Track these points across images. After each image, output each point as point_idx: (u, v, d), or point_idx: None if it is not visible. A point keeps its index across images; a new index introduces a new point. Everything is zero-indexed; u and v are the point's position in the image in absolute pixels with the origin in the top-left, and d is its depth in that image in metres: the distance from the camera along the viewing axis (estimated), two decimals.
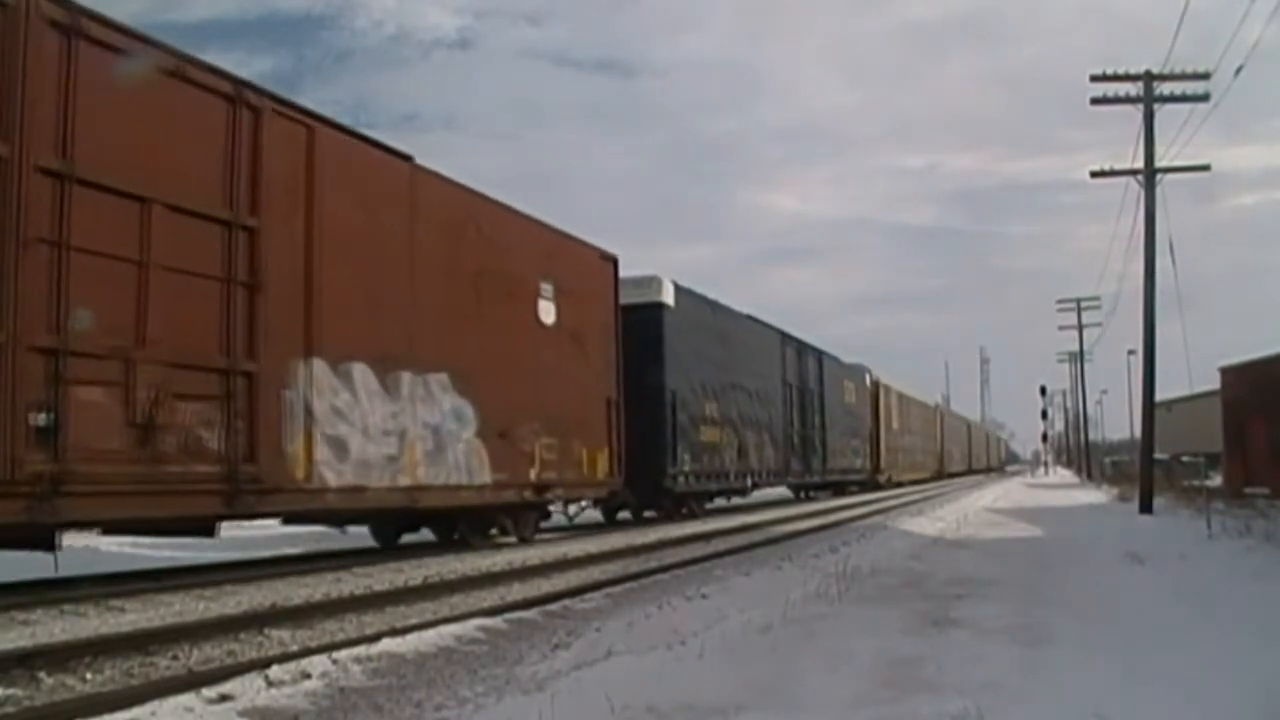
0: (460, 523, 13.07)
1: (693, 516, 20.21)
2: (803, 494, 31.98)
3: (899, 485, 42.87)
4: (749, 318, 24.76)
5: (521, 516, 13.96)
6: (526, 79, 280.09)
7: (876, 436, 39.16)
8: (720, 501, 23.35)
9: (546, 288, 14.10)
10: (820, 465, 30.17)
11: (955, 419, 72.46)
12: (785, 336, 27.51)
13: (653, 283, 18.80)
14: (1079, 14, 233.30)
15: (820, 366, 30.71)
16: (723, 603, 7.91)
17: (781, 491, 30.63)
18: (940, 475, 56.80)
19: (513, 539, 13.80)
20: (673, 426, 18.71)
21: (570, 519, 16.76)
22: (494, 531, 13.64)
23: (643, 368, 17.60)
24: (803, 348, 29.25)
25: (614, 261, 16.83)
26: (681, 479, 19.27)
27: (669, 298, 19.09)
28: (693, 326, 20.01)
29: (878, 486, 38.29)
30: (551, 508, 15.37)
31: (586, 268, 15.70)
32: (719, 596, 8.48)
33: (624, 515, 19.55)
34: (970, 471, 74.01)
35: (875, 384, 39.83)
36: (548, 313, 14.16)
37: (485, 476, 12.37)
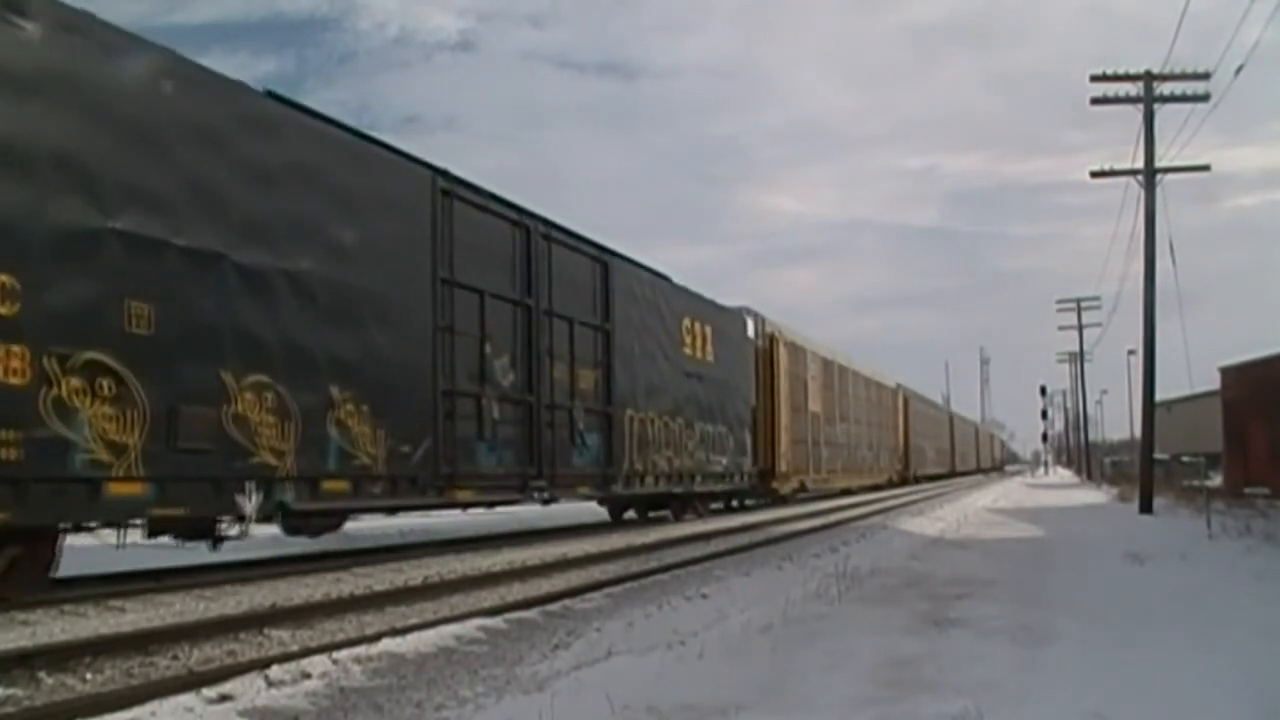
0: None
1: None
2: (619, 511, 19.56)
3: (844, 493, 32.21)
4: (285, 103, 10.28)
5: None
6: (528, 81, 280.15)
7: (771, 421, 25.00)
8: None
9: None
10: (600, 463, 15.49)
11: (930, 407, 58.62)
12: (452, 183, 12.32)
13: None
14: (1079, 15, 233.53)
15: (606, 278, 16.10)
16: (723, 603, 7.92)
17: (573, 510, 18.78)
18: (905, 479, 44.70)
19: None
20: None
21: None
22: None
23: None
24: (538, 227, 14.19)
25: None
26: None
27: None
28: None
29: (779, 499, 25.58)
30: None
31: None
32: (719, 596, 8.49)
33: None
34: (954, 474, 61.59)
35: (770, 338, 25.43)
36: None
37: None
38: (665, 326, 18.59)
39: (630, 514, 19.66)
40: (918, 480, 47.74)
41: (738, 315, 23.52)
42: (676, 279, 19.85)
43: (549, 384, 14.12)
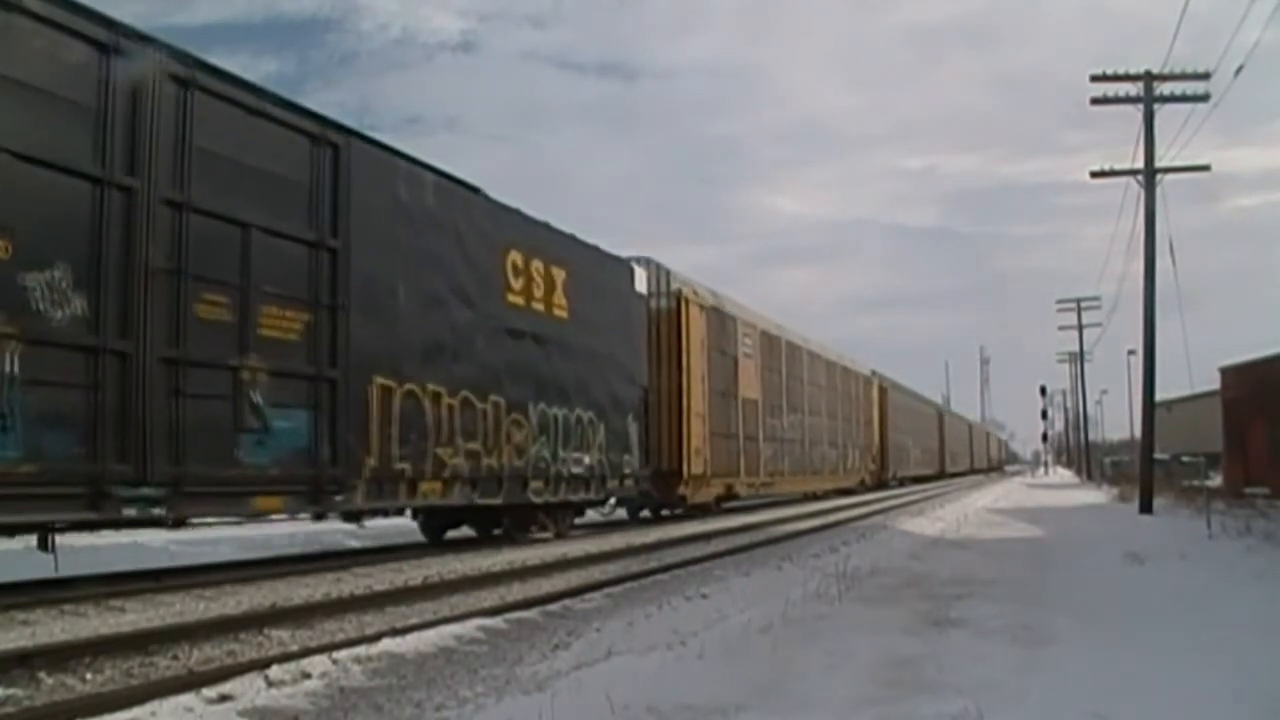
0: None
1: None
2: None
3: (809, 498, 28.63)
4: None
5: None
6: (529, 82, 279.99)
7: (678, 408, 19.16)
8: None
9: None
10: (307, 459, 9.72)
11: (915, 400, 51.70)
12: None
13: None
14: (1079, 16, 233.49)
15: (337, 170, 10.34)
16: (723, 603, 7.92)
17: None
18: (881, 482, 39.43)
19: None
20: None
21: None
22: None
23: None
24: (160, 60, 8.42)
25: None
26: None
27: None
28: None
29: (695, 510, 20.07)
30: None
31: None
32: (719, 596, 8.49)
33: None
34: (943, 475, 55.96)
35: (678, 298, 19.52)
36: None
37: None
38: (470, 259, 12.38)
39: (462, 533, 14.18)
40: (902, 483, 43.34)
41: (619, 264, 16.94)
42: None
43: (179, 323, 8.46)
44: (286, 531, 14.01)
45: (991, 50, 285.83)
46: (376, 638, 6.59)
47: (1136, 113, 20.20)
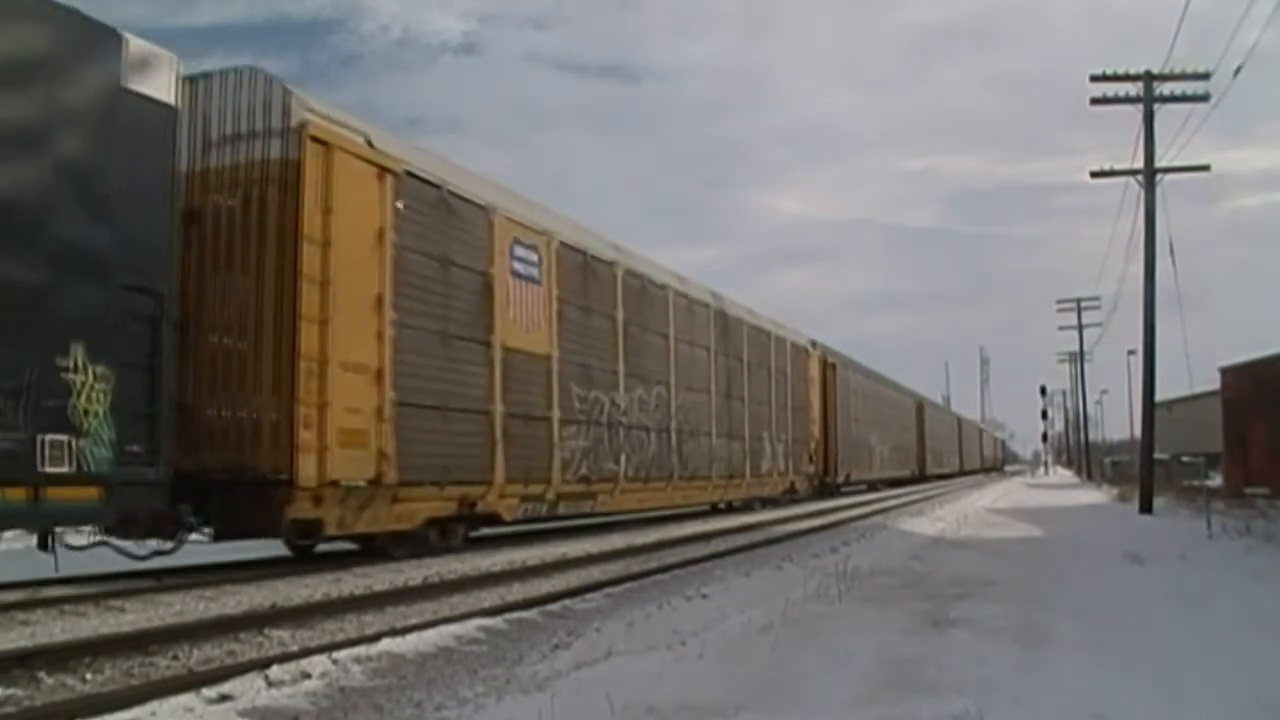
0: None
1: None
2: None
3: (714, 512, 21.16)
4: None
5: None
6: (531, 83, 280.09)
7: (290, 348, 9.78)
8: None
9: None
10: None
11: (883, 386, 41.60)
12: None
13: None
14: (1079, 17, 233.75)
15: None
16: (723, 603, 7.92)
17: None
18: (827, 487, 30.39)
19: None
20: None
21: None
22: None
23: None
24: None
25: None
26: None
27: None
28: None
29: (401, 544, 11.32)
30: None
31: None
32: (719, 596, 8.50)
33: None
34: (922, 478, 48.24)
35: (300, 134, 9.93)
36: None
37: None
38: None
39: None
40: (874, 486, 37.04)
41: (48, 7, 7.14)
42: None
43: None
44: None
45: (992, 51, 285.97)
46: (376, 638, 6.59)
47: (1136, 113, 20.22)
